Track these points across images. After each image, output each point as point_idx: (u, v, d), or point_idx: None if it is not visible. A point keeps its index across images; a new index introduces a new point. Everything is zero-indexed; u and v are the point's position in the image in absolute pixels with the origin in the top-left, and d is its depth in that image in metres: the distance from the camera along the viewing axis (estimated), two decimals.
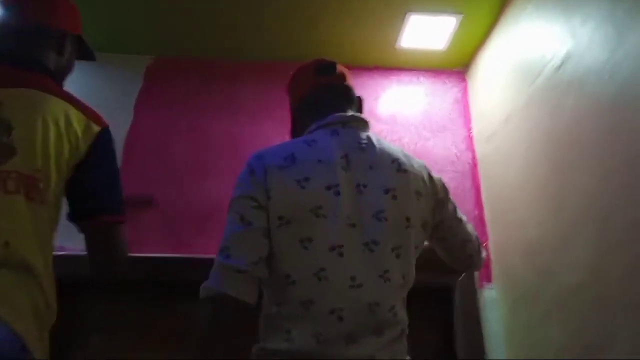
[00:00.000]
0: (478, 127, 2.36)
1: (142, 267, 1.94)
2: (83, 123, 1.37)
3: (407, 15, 2.22)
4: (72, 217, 1.36)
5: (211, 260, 1.94)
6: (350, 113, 1.42)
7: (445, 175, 2.23)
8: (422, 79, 2.52)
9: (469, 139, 2.37)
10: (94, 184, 1.39)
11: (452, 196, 1.46)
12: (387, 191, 1.27)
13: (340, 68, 1.51)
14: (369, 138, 1.37)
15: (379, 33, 2.33)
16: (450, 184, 2.21)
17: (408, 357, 1.24)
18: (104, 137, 1.41)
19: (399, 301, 1.25)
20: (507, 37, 2.16)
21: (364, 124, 1.42)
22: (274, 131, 2.31)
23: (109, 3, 2.18)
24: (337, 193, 1.23)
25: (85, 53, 1.60)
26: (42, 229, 1.25)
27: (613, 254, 1.41)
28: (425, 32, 2.32)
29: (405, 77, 2.52)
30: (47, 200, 1.27)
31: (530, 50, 1.95)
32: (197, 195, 2.16)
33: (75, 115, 1.36)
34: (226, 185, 2.18)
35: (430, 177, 1.40)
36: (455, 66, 2.53)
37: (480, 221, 2.19)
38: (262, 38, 2.40)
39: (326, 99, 1.44)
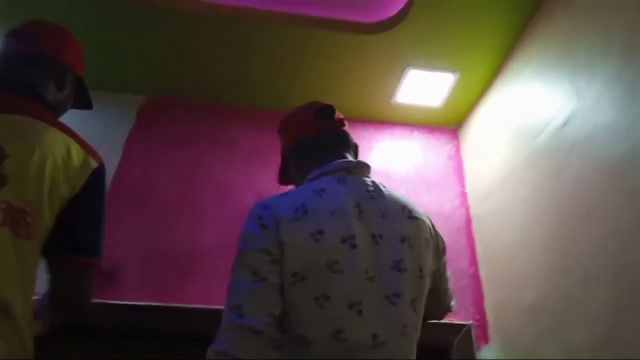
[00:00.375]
0: (472, 185, 2.34)
1: (121, 315, 1.84)
2: (82, 157, 1.31)
3: (405, 70, 2.23)
4: (50, 251, 1.26)
5: (196, 311, 1.89)
6: (351, 159, 1.39)
7: (439, 232, 2.22)
8: (415, 133, 2.52)
9: (463, 196, 2.36)
10: (83, 221, 1.33)
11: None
12: (402, 240, 1.22)
13: (338, 112, 1.49)
14: (375, 185, 1.33)
15: (376, 86, 2.33)
16: (445, 240, 2.20)
17: None
18: (99, 174, 1.36)
19: (414, 356, 1.18)
20: (504, 96, 2.18)
21: (367, 170, 1.38)
22: (266, 177, 2.25)
23: (103, 42, 2.14)
24: (353, 246, 1.16)
25: (82, 100, 1.55)
26: (25, 266, 1.16)
27: (630, 312, 1.36)
28: (422, 88, 2.33)
29: (398, 132, 2.52)
30: (33, 236, 1.18)
31: (530, 109, 1.96)
32: (184, 240, 2.06)
33: (74, 148, 1.31)
34: (214, 230, 2.11)
35: (433, 225, 1.37)
36: (448, 124, 2.54)
37: (475, 279, 2.14)
38: (255, 86, 2.38)
39: (326, 145, 1.40)
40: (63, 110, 1.48)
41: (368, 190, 1.29)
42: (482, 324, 2.03)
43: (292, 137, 1.47)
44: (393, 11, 2.08)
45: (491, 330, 2.00)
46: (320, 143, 1.40)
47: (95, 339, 1.83)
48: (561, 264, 1.66)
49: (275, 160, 2.28)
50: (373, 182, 1.33)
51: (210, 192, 2.20)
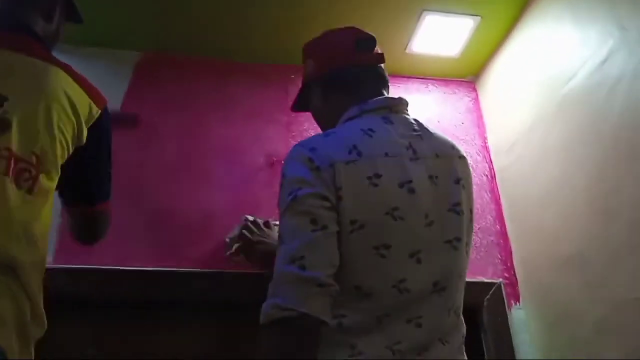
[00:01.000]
0: (494, 138, 2.21)
1: (129, 282, 1.71)
2: (86, 103, 1.20)
3: (422, 14, 2.07)
4: (65, 201, 1.27)
5: (207, 275, 1.75)
6: (390, 96, 1.28)
7: None
8: (430, 87, 2.37)
9: (485, 149, 2.22)
10: (94, 170, 1.28)
11: None
12: (457, 181, 1.14)
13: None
14: (418, 123, 1.22)
15: (390, 34, 2.17)
16: None
17: None
18: (104, 118, 1.26)
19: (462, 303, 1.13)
20: (528, 40, 2.02)
21: (407, 106, 1.27)
22: (274, 136, 2.11)
23: None
24: (412, 190, 1.05)
25: (72, 15, 1.41)
26: (31, 223, 1.04)
27: None
28: (439, 36, 2.17)
29: (413, 85, 2.37)
30: (38, 190, 1.06)
31: (561, 50, 1.82)
32: (189, 202, 1.91)
33: (79, 93, 1.19)
34: (221, 191, 1.97)
35: None
36: (465, 75, 2.39)
37: (502, 237, 2.01)
38: (256, 39, 2.20)
39: (365, 81, 1.28)
40: (54, 42, 1.34)
41: (415, 130, 1.18)
42: (512, 282, 1.91)
43: (324, 63, 1.33)
44: None
45: (522, 288, 1.88)
46: (358, 78, 1.28)
47: (98, 308, 1.70)
48: (604, 212, 1.54)
49: (283, 118, 2.17)
50: (415, 120, 1.23)
51: (214, 153, 2.04)
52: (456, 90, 2.38)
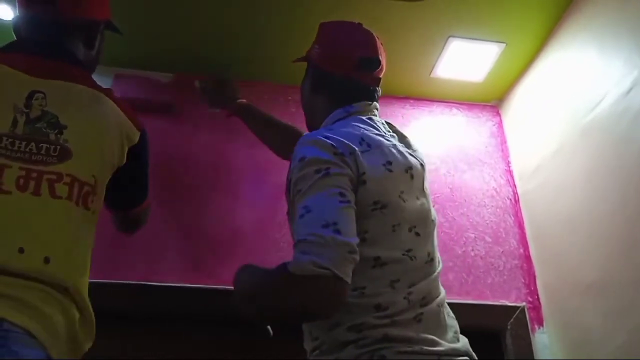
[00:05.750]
0: (518, 163, 2.23)
1: (156, 298, 1.76)
2: (128, 126, 1.30)
3: (448, 40, 2.12)
4: (108, 207, 1.38)
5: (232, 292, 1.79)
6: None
7: (485, 210, 2.12)
8: (455, 111, 2.41)
9: (508, 173, 2.25)
10: (133, 183, 1.39)
11: None
12: (423, 169, 1.29)
13: (382, 63, 1.42)
14: (389, 124, 1.37)
15: (416, 58, 2.22)
16: (491, 220, 2.09)
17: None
18: (142, 140, 1.35)
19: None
20: (553, 67, 2.06)
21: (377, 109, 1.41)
22: None
23: (131, 20, 2.03)
24: (412, 176, 1.22)
25: (112, 28, 1.50)
26: (89, 242, 1.15)
27: None
28: (464, 61, 2.21)
29: (437, 109, 2.41)
30: (97, 211, 1.18)
31: (585, 78, 1.85)
32: (217, 220, 1.97)
33: (123, 118, 1.29)
34: (250, 209, 2.02)
35: None
36: (489, 100, 2.43)
37: (526, 260, 2.03)
38: (285, 62, 2.26)
39: (354, 98, 1.36)
40: (94, 67, 1.44)
41: (389, 130, 1.33)
42: (535, 306, 1.92)
43: (324, 62, 1.42)
44: None
45: (545, 312, 1.90)
46: (346, 92, 1.37)
47: (127, 322, 1.75)
48: (626, 239, 1.56)
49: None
50: (386, 122, 1.37)
51: (242, 172, 2.10)
52: (480, 115, 2.41)
